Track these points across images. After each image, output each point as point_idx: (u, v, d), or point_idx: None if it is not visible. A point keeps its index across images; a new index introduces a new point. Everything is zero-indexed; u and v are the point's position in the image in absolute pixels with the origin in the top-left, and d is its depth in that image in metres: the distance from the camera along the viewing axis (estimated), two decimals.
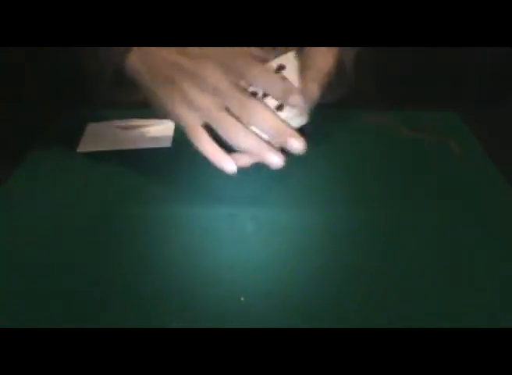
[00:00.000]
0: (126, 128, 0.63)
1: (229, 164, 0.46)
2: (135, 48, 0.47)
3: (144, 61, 0.46)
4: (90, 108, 0.66)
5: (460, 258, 0.46)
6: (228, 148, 0.46)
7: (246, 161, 0.47)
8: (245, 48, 0.46)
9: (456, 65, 0.77)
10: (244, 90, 0.45)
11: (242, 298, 0.42)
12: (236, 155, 0.46)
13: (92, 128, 0.64)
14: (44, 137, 0.63)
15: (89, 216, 0.51)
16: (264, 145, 0.45)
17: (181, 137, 0.62)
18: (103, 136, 0.62)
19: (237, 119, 0.45)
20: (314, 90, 0.45)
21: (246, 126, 0.45)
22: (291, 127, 0.46)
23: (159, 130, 0.63)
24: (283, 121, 0.45)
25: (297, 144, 0.45)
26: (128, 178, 0.55)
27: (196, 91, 0.45)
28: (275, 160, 0.45)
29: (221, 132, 0.45)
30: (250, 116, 0.45)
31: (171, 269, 0.45)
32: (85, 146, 0.61)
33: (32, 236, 0.48)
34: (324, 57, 0.46)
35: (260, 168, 0.57)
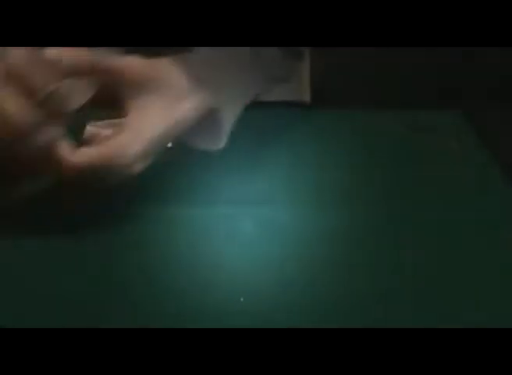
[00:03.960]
0: None
1: None
2: None
3: None
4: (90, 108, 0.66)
5: (459, 259, 0.46)
6: None
7: None
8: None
9: (456, 65, 0.77)
10: None
11: (242, 298, 0.42)
12: None
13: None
14: None
15: (88, 216, 0.51)
16: None
17: None
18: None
19: None
20: None
21: None
22: None
23: None
24: None
25: None
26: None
27: None
28: None
29: None
30: None
31: (170, 269, 0.45)
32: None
33: (32, 235, 0.48)
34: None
35: (260, 168, 0.57)
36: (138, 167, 0.44)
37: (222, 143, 0.50)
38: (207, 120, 0.48)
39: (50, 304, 0.42)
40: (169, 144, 0.60)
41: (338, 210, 0.51)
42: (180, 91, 0.45)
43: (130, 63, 0.43)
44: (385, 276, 0.44)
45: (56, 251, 0.47)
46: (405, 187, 0.54)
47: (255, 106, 0.67)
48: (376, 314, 0.41)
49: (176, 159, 0.57)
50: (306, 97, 0.66)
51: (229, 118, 0.49)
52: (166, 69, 0.45)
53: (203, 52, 0.48)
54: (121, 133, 0.43)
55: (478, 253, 0.46)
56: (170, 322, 0.40)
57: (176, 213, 0.50)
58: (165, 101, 0.44)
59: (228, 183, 0.54)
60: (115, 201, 0.52)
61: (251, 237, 0.49)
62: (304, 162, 0.58)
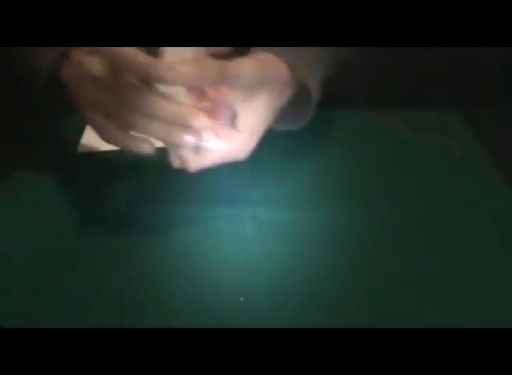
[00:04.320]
0: None
1: (144, 145, 0.43)
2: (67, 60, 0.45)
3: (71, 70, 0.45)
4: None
5: (459, 258, 0.46)
6: None
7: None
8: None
9: (456, 65, 0.77)
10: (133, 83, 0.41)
11: (242, 298, 0.42)
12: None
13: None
14: (44, 137, 0.63)
15: (88, 216, 0.51)
16: (170, 128, 0.41)
17: None
18: None
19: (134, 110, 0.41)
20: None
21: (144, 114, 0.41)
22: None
23: None
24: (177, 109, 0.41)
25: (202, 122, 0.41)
26: (128, 178, 0.55)
27: (94, 89, 0.42)
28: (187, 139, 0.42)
29: (114, 122, 0.42)
30: (141, 105, 0.40)
31: (171, 269, 0.45)
32: (85, 146, 0.61)
33: (32, 236, 0.48)
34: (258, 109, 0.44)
35: (260, 168, 0.57)
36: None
37: (307, 119, 0.50)
38: (297, 100, 0.48)
39: (49, 304, 0.42)
40: None
41: (338, 211, 0.51)
42: (283, 82, 0.46)
43: (245, 67, 0.43)
44: (385, 276, 0.44)
45: (54, 251, 0.47)
46: (405, 187, 0.54)
47: None
48: (376, 314, 0.41)
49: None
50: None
51: (315, 96, 0.49)
52: (272, 65, 0.45)
53: None
54: (237, 135, 0.44)
55: (478, 253, 0.46)
56: (170, 322, 0.40)
57: (177, 213, 0.50)
58: (271, 95, 0.45)
59: (229, 183, 0.54)
60: (116, 202, 0.52)
61: (251, 237, 0.49)
62: (305, 162, 0.58)
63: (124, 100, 0.41)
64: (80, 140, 0.62)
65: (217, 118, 0.43)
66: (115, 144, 0.43)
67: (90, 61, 0.43)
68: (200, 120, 0.41)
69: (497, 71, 0.77)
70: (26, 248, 0.47)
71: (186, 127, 0.41)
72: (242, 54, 0.45)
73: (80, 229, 0.49)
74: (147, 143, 0.43)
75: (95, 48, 0.43)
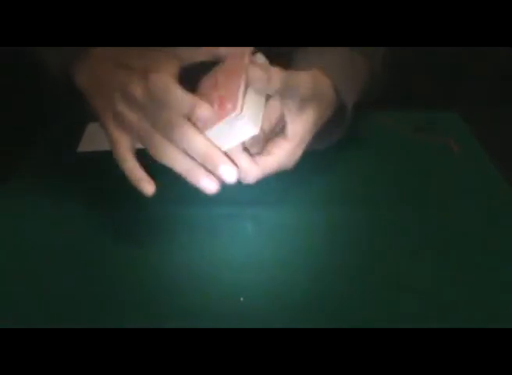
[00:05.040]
0: None
1: (146, 185, 0.42)
2: (84, 60, 0.45)
3: (90, 74, 0.45)
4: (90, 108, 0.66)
5: (459, 258, 0.46)
6: None
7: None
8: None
9: (456, 65, 0.77)
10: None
11: (242, 298, 0.42)
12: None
13: (92, 128, 0.64)
14: (44, 137, 0.63)
15: (89, 216, 0.51)
16: (195, 167, 0.40)
17: None
18: (103, 136, 0.62)
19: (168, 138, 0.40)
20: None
21: (176, 146, 0.40)
22: (222, 153, 0.40)
23: None
24: (214, 146, 0.40)
25: (228, 173, 0.40)
26: (128, 178, 0.55)
27: (126, 108, 0.41)
28: (206, 185, 0.41)
29: (150, 151, 0.41)
30: (177, 137, 0.39)
31: (171, 269, 0.45)
32: (85, 146, 0.61)
33: (32, 236, 0.48)
34: (305, 122, 0.44)
35: None
36: None
37: (335, 141, 0.52)
38: (331, 121, 0.49)
39: (49, 304, 0.42)
40: None
41: (338, 210, 0.51)
42: (328, 99, 0.47)
43: (303, 80, 0.43)
44: (385, 276, 0.44)
45: (53, 251, 0.47)
46: (405, 187, 0.54)
47: None
48: (376, 314, 0.41)
49: None
50: None
51: (348, 118, 0.50)
52: (321, 80, 0.47)
53: (336, 56, 0.50)
54: (288, 144, 0.45)
55: (477, 252, 0.46)
56: (170, 322, 0.40)
57: (177, 213, 0.50)
58: (318, 110, 0.46)
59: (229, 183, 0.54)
60: (116, 202, 0.52)
61: (251, 237, 0.49)
62: (305, 162, 0.58)
63: (161, 129, 0.40)
64: (80, 140, 0.62)
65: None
66: (122, 167, 0.42)
67: (133, 83, 0.41)
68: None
69: (497, 72, 0.77)
70: (26, 248, 0.47)
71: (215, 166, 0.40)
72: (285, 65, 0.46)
73: (80, 229, 0.49)
74: (151, 185, 0.42)
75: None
